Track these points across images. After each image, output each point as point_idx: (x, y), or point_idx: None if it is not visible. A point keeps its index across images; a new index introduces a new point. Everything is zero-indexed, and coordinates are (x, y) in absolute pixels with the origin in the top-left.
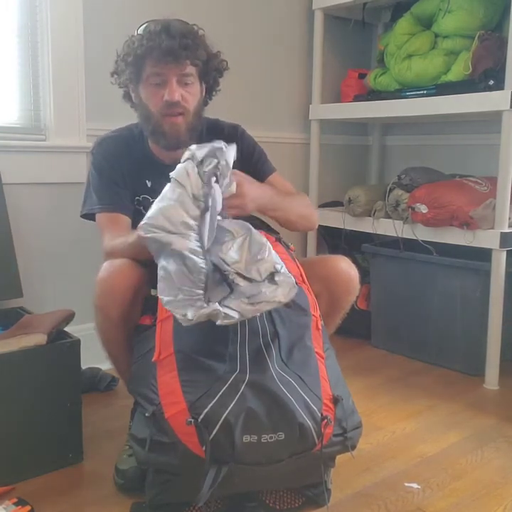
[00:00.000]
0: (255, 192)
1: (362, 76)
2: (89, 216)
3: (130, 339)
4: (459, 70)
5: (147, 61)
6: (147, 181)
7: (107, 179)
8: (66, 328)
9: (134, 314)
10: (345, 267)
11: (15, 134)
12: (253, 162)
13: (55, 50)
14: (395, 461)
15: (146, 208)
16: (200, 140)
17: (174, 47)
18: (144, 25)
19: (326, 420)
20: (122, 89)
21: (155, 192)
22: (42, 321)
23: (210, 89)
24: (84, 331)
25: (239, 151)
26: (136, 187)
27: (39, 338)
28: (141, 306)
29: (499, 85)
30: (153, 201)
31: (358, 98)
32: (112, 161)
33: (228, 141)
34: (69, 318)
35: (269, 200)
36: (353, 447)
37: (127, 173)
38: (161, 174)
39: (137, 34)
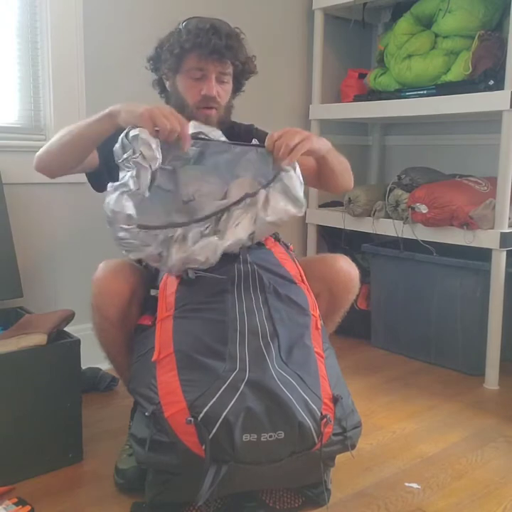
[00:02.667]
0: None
1: (362, 76)
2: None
3: (128, 339)
4: (459, 70)
5: (192, 55)
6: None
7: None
8: (66, 328)
9: (132, 315)
10: (345, 266)
11: (15, 134)
12: None
13: (55, 50)
14: (395, 461)
15: None
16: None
17: (221, 46)
18: (189, 21)
19: (325, 419)
20: (155, 75)
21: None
22: (42, 321)
23: (237, 89)
24: (84, 331)
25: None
26: None
27: (39, 338)
28: (139, 307)
29: (499, 85)
30: None
31: (358, 98)
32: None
33: (244, 138)
34: (69, 318)
35: (330, 147)
36: (353, 447)
37: None
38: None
39: (184, 28)
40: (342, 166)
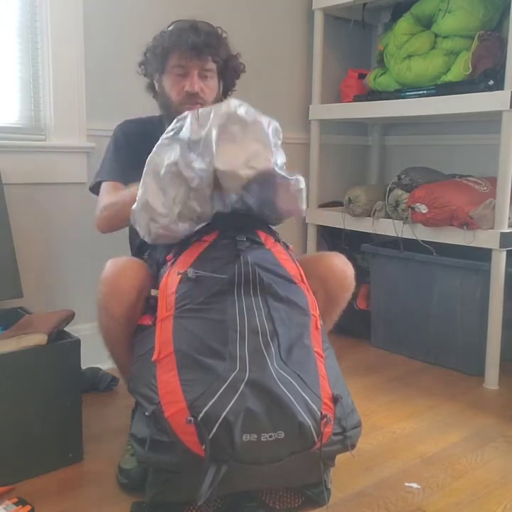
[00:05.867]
0: None
1: (362, 76)
2: (96, 189)
3: (132, 339)
4: (458, 70)
5: (173, 53)
6: None
7: (122, 154)
8: (66, 328)
9: (137, 314)
10: (340, 264)
11: (15, 134)
12: None
13: (55, 50)
14: (395, 461)
15: None
16: None
17: (199, 43)
18: (172, 24)
19: (325, 419)
20: (147, 79)
21: None
22: (42, 321)
23: (227, 88)
24: (84, 330)
25: None
26: None
27: (39, 338)
28: (143, 306)
29: (499, 85)
30: None
31: (358, 98)
32: (131, 139)
33: None
34: (69, 318)
35: None
36: (353, 446)
37: (145, 152)
38: None
39: (167, 30)
40: None
